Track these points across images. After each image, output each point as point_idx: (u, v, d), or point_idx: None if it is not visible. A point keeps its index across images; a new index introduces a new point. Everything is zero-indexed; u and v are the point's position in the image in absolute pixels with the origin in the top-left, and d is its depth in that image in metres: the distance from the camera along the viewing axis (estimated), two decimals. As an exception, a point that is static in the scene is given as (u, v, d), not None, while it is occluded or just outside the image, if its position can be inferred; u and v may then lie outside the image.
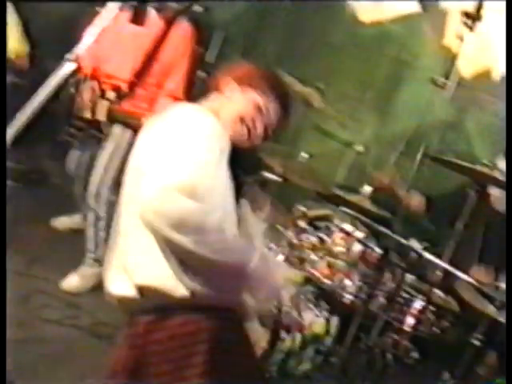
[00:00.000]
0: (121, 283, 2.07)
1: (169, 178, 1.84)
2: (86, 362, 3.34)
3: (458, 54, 3.35)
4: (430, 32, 4.47)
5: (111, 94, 3.83)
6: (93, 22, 1.88)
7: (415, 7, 4.58)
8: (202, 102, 2.21)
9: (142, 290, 2.01)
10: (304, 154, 3.92)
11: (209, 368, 1.99)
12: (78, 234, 4.27)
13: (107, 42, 3.81)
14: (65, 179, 4.38)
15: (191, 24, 4.01)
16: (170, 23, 3.83)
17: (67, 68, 1.72)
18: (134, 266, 2.04)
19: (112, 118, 3.85)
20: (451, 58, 3.43)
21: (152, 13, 3.77)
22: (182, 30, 3.90)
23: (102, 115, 3.86)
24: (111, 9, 1.79)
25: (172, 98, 3.84)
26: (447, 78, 3.43)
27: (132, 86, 3.86)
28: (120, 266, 2.10)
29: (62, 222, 4.52)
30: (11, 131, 1.79)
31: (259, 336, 2.97)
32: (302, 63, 4.89)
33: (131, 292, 2.03)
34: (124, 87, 3.84)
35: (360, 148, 4.25)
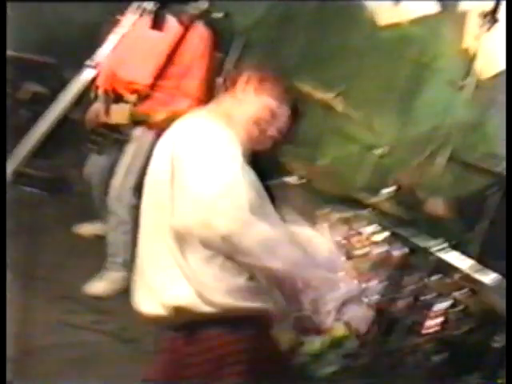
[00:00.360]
0: (149, 302, 2.11)
1: (211, 190, 1.87)
2: (113, 366, 3.38)
3: (477, 55, 3.34)
4: (449, 33, 4.45)
5: (131, 97, 3.88)
6: (113, 30, 1.90)
7: (434, 8, 4.56)
8: (213, 105, 2.23)
9: (170, 308, 2.03)
10: (325, 158, 3.93)
11: (245, 376, 2.02)
12: (102, 239, 4.34)
13: (124, 47, 3.86)
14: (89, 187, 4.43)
15: (209, 29, 4.05)
16: (187, 28, 3.87)
17: (87, 74, 1.75)
18: (161, 285, 2.07)
19: (133, 120, 3.91)
20: (470, 60, 3.41)
21: (170, 18, 3.81)
22: (199, 33, 3.94)
23: (123, 118, 3.91)
24: (131, 16, 1.83)
25: (191, 99, 3.87)
26: (466, 79, 3.42)
27: (151, 88, 3.91)
28: (145, 284, 2.13)
29: (87, 229, 4.59)
30: (33, 139, 1.82)
31: (282, 340, 2.98)
32: (322, 68, 4.90)
33: (160, 310, 2.05)
34: (143, 90, 3.89)
35: (382, 151, 4.24)
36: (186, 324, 2.06)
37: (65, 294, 3.83)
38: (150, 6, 1.84)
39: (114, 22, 2.43)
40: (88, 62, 1.78)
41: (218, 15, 4.88)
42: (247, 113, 2.17)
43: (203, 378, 2.06)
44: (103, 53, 1.79)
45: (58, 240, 4.39)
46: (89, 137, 4.07)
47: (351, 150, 4.70)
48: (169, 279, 2.03)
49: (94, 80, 3.95)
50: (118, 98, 3.97)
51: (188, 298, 2.01)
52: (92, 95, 4.06)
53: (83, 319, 3.71)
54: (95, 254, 4.25)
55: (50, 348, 3.40)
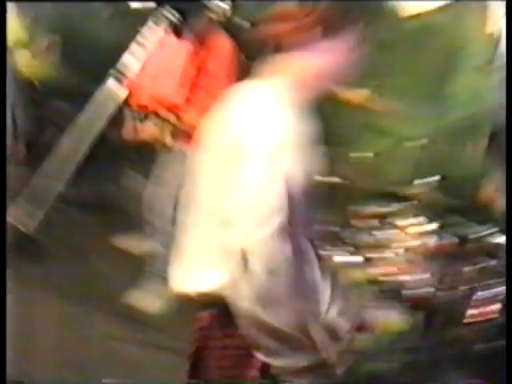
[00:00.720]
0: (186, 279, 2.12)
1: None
2: (154, 376, 3.40)
3: (500, 38, 3.32)
4: (473, 19, 4.42)
5: (170, 116, 3.93)
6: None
7: (457, -5, 4.54)
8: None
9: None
10: (365, 155, 3.92)
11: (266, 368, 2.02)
12: (141, 252, 4.39)
13: (152, 62, 3.92)
14: (126, 201, 4.46)
15: (233, 36, 4.06)
16: (209, 38, 3.89)
17: (111, 84, 1.77)
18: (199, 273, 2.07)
19: (170, 134, 3.95)
20: (495, 43, 3.39)
21: (190, 30, 3.84)
22: (223, 43, 3.95)
23: (158, 134, 3.96)
24: (154, 31, 1.84)
25: None
26: (493, 63, 3.41)
27: (183, 102, 3.95)
28: (187, 266, 2.13)
29: (125, 242, 4.60)
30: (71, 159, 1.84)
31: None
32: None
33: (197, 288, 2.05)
34: (175, 105, 3.93)
35: (422, 142, 4.24)
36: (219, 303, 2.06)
37: (106, 305, 3.85)
38: (170, 15, 1.85)
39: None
40: (112, 71, 1.78)
41: (244, 25, 4.93)
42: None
43: (226, 361, 2.07)
44: (127, 62, 1.80)
45: (97, 253, 4.48)
46: (128, 154, 4.13)
47: (390, 144, 4.68)
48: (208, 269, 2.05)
49: (124, 96, 4.04)
50: (152, 114, 4.01)
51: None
52: (126, 113, 4.10)
53: (122, 330, 3.74)
54: (134, 267, 4.31)
55: (93, 361, 3.44)
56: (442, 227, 3.44)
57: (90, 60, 5.04)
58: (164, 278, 3.93)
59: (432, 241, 3.41)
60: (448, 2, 4.59)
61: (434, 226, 3.45)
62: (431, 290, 3.32)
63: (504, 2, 3.27)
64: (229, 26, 4.02)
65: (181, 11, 1.85)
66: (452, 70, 4.56)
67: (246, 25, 4.22)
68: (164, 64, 3.99)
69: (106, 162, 5.40)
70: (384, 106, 4.02)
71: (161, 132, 3.96)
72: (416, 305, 3.37)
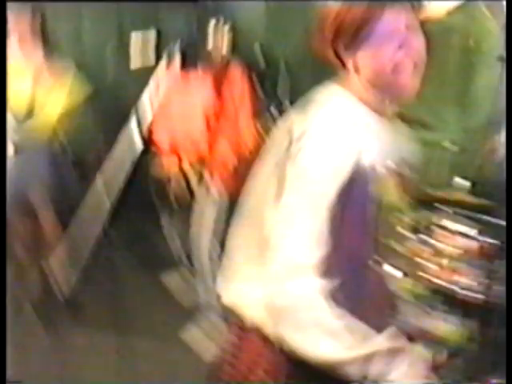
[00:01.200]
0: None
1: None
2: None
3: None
4: (488, 13, 4.40)
5: (192, 156, 3.99)
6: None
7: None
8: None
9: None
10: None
11: None
12: (187, 287, 4.43)
13: (171, 113, 4.00)
14: (167, 239, 4.50)
15: (245, 64, 4.09)
16: (222, 71, 3.92)
17: (132, 128, 1.81)
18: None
19: (199, 177, 3.99)
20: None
21: (201, 67, 3.88)
22: (235, 73, 3.97)
23: (195, 185, 4.01)
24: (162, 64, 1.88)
25: (244, 136, 3.91)
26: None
27: (210, 145, 4.00)
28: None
29: (171, 278, 4.65)
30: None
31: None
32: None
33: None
34: (203, 151, 3.98)
35: (449, 145, 4.22)
36: None
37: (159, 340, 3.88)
38: (176, 48, 1.88)
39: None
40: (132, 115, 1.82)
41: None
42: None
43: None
44: (145, 105, 1.84)
45: (143, 292, 4.57)
46: (163, 197, 4.19)
47: (422, 152, 4.66)
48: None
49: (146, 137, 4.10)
50: (173, 153, 4.06)
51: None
52: (157, 160, 4.18)
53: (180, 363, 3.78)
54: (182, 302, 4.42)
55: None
56: (480, 231, 3.41)
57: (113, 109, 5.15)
58: (212, 313, 4.04)
59: (474, 245, 3.38)
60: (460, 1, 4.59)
61: (474, 230, 3.42)
62: (481, 296, 3.28)
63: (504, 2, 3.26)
64: (243, 58, 4.05)
65: (189, 49, 1.88)
66: (473, 67, 4.54)
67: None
68: (184, 103, 4.04)
69: (145, 203, 5.49)
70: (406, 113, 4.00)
71: (185, 169, 4.02)
72: (469, 312, 3.33)
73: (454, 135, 4.36)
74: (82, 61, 5.70)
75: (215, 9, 6.55)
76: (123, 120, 4.39)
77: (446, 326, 3.36)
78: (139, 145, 2.64)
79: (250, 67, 4.07)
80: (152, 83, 1.67)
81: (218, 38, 2.96)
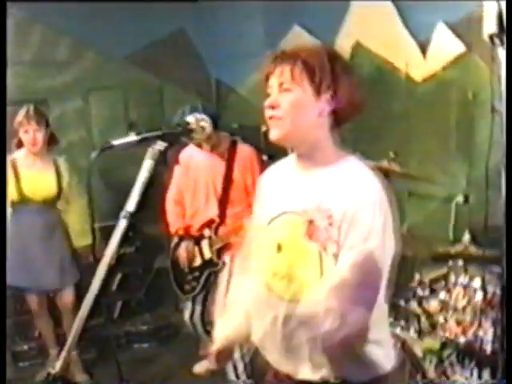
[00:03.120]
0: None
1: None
2: None
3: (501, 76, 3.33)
4: (481, 64, 4.45)
5: (207, 232, 4.05)
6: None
7: (460, 47, 4.59)
8: None
9: None
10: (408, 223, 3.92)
11: None
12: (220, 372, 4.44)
13: (179, 197, 4.09)
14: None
15: (252, 144, 4.17)
16: (230, 153, 4.02)
17: (121, 225, 1.86)
18: None
19: (217, 250, 4.04)
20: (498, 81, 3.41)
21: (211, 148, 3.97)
22: (244, 153, 4.05)
23: (208, 253, 4.06)
24: (147, 164, 1.93)
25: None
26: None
27: (221, 217, 4.05)
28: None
29: (203, 366, 4.66)
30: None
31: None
32: (375, 138, 4.97)
33: None
34: (213, 220, 4.04)
35: (460, 198, 4.24)
36: None
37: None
38: (160, 147, 1.95)
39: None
40: (122, 214, 1.88)
41: (263, 128, 5.05)
42: None
43: None
44: (131, 203, 1.90)
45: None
46: (185, 280, 4.24)
47: (430, 207, 4.68)
48: None
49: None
50: (198, 237, 4.13)
51: None
52: (174, 241, 4.25)
53: None
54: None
55: None
56: (484, 281, 3.38)
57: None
58: None
59: (480, 297, 3.35)
60: (454, 55, 4.65)
61: (478, 281, 3.40)
62: (489, 346, 3.23)
63: (504, 2, 3.28)
64: (243, 132, 4.13)
65: (167, 140, 1.93)
66: (473, 119, 4.56)
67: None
68: (192, 184, 4.14)
69: (165, 292, 5.55)
70: (410, 170, 4.05)
71: (199, 249, 4.09)
72: (480, 364, 3.28)
73: (462, 188, 4.38)
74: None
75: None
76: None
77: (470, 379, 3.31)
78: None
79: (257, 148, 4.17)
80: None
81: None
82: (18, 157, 4.44)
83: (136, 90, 6.36)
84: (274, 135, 2.09)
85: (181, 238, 4.22)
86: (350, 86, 2.07)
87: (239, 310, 2.35)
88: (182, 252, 4.18)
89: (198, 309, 4.33)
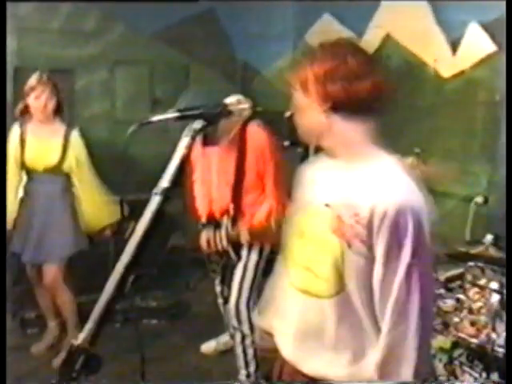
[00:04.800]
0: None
1: None
2: None
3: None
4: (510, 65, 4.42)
5: (224, 221, 4.03)
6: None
7: (491, 47, 4.57)
8: None
9: None
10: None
11: None
12: (226, 354, 4.49)
13: (201, 172, 4.06)
14: (205, 306, 4.54)
15: (275, 126, 4.11)
16: (242, 133, 3.94)
17: (155, 201, 1.84)
18: None
19: (233, 242, 4.04)
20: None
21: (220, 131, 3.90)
22: (256, 136, 3.96)
23: (224, 241, 4.04)
24: (184, 141, 1.92)
25: (271, 198, 3.92)
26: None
27: (237, 205, 4.03)
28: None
29: (210, 346, 4.68)
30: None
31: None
32: (399, 133, 4.95)
33: None
34: (230, 210, 4.01)
35: (479, 199, 4.22)
36: None
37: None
38: (197, 126, 1.93)
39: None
40: (156, 190, 1.86)
41: (287, 114, 5.01)
42: None
43: None
44: (166, 179, 1.88)
45: (184, 362, 4.52)
46: (207, 265, 4.25)
47: (449, 205, 4.68)
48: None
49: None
50: (218, 223, 4.12)
51: None
52: (199, 225, 4.23)
53: None
54: (223, 370, 4.36)
55: None
56: (501, 284, 3.37)
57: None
58: (253, 379, 4.08)
59: (495, 299, 3.34)
60: (484, 55, 4.64)
61: (495, 284, 3.38)
62: (502, 349, 3.23)
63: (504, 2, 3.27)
64: (267, 116, 4.07)
65: (206, 119, 1.92)
66: (499, 121, 4.55)
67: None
68: (209, 171, 4.09)
69: (179, 270, 5.58)
70: (435, 169, 4.02)
71: (217, 237, 4.07)
72: (491, 367, 3.28)
73: (482, 188, 4.37)
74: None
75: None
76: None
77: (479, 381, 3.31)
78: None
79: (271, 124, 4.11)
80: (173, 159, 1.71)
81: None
82: (26, 124, 4.36)
83: (162, 67, 6.35)
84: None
85: (203, 225, 4.20)
86: (373, 79, 2.00)
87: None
88: (203, 237, 4.15)
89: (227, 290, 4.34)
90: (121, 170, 5.71)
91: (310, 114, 2.04)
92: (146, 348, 3.92)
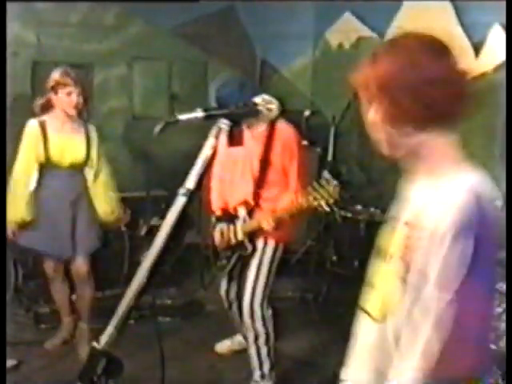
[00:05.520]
0: None
1: None
2: None
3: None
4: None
5: (242, 212, 3.99)
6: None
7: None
8: None
9: None
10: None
11: None
12: (241, 353, 4.45)
13: (221, 168, 4.03)
14: (219, 305, 4.52)
15: (293, 125, 4.09)
16: (270, 130, 3.93)
17: (180, 202, 1.82)
18: None
19: (248, 234, 3.99)
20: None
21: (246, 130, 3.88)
22: (284, 133, 3.95)
23: (240, 235, 4.00)
24: (211, 141, 1.89)
25: (291, 193, 3.88)
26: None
27: (256, 199, 3.99)
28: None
29: (225, 346, 4.65)
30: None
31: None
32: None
33: None
34: (249, 203, 3.98)
35: (498, 203, 4.16)
36: None
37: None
38: (224, 126, 1.90)
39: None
40: (181, 190, 1.84)
41: (307, 114, 4.98)
42: None
43: None
44: (192, 180, 1.85)
45: (199, 361, 4.50)
46: (217, 259, 4.21)
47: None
48: None
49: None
50: (233, 217, 4.08)
51: None
52: (212, 220, 4.20)
53: None
54: (237, 370, 4.33)
55: None
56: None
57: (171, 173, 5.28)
58: (268, 379, 4.05)
59: None
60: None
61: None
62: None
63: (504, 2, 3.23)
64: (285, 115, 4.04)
65: (233, 119, 1.88)
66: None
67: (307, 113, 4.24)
68: (233, 168, 4.07)
69: (193, 268, 5.54)
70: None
71: (231, 230, 4.03)
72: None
73: (501, 193, 4.30)
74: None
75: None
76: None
77: None
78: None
79: (297, 124, 4.08)
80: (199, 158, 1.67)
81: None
82: (46, 119, 4.28)
83: (181, 63, 6.33)
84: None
85: (218, 218, 4.16)
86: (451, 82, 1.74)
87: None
88: (217, 231, 4.12)
89: (235, 286, 4.30)
90: (138, 166, 5.78)
91: (378, 125, 1.80)
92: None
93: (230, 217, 4.09)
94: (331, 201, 3.55)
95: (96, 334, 1.80)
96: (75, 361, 4.16)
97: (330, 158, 5.31)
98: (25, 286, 5.07)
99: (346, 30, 5.97)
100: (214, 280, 4.55)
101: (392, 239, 1.86)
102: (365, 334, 1.96)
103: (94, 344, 1.75)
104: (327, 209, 3.60)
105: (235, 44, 6.52)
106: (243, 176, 4.03)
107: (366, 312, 1.92)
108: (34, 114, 4.29)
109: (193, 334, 4.90)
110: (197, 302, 5.35)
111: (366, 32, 5.79)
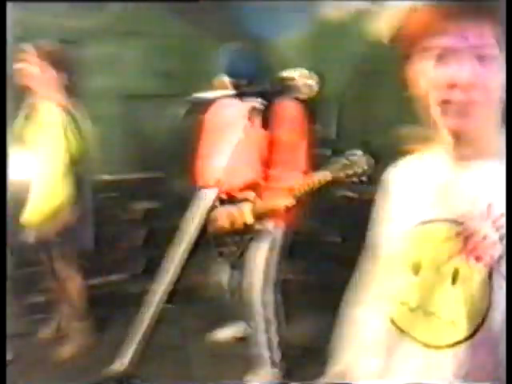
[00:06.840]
0: None
1: None
2: None
3: None
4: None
5: (250, 195, 3.80)
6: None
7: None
8: None
9: None
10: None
11: None
12: (240, 342, 4.38)
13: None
14: (218, 291, 4.43)
15: (297, 101, 3.91)
16: (278, 107, 3.74)
17: (210, 194, 1.65)
18: None
19: (257, 216, 3.81)
20: None
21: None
22: (291, 110, 3.76)
23: (249, 218, 3.81)
24: (241, 124, 1.72)
25: (298, 172, 3.72)
26: None
27: (264, 178, 3.84)
28: None
29: (224, 333, 4.57)
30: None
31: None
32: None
33: None
34: (257, 184, 3.81)
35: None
36: None
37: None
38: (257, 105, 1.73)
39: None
40: (210, 182, 1.67)
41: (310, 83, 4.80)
42: None
43: None
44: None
45: (198, 348, 4.47)
46: (221, 244, 4.02)
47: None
48: None
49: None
50: (236, 200, 3.90)
51: None
52: (216, 203, 4.03)
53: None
54: (236, 358, 4.24)
55: None
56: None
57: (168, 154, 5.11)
58: (278, 366, 3.91)
59: None
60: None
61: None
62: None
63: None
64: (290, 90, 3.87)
65: (266, 97, 1.70)
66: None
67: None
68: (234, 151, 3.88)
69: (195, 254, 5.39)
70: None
71: (240, 213, 3.83)
72: None
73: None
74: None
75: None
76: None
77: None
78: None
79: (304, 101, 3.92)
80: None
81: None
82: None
83: (173, 40, 6.14)
84: None
85: (222, 201, 3.96)
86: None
87: (355, 346, 1.84)
88: (223, 215, 3.91)
89: (238, 274, 4.14)
90: (132, 147, 5.60)
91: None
92: (159, 334, 3.78)
93: (236, 199, 3.90)
94: (360, 171, 3.34)
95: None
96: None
97: (333, 136, 5.13)
98: (16, 276, 4.95)
99: (342, 2, 5.85)
100: (216, 266, 4.41)
101: (427, 244, 1.54)
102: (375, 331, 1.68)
103: (117, 367, 1.59)
104: (357, 180, 3.38)
105: (229, 20, 6.33)
106: (248, 156, 3.83)
107: (417, 341, 1.54)
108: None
109: (192, 320, 4.85)
110: (196, 289, 5.20)
111: (362, 5, 5.64)
